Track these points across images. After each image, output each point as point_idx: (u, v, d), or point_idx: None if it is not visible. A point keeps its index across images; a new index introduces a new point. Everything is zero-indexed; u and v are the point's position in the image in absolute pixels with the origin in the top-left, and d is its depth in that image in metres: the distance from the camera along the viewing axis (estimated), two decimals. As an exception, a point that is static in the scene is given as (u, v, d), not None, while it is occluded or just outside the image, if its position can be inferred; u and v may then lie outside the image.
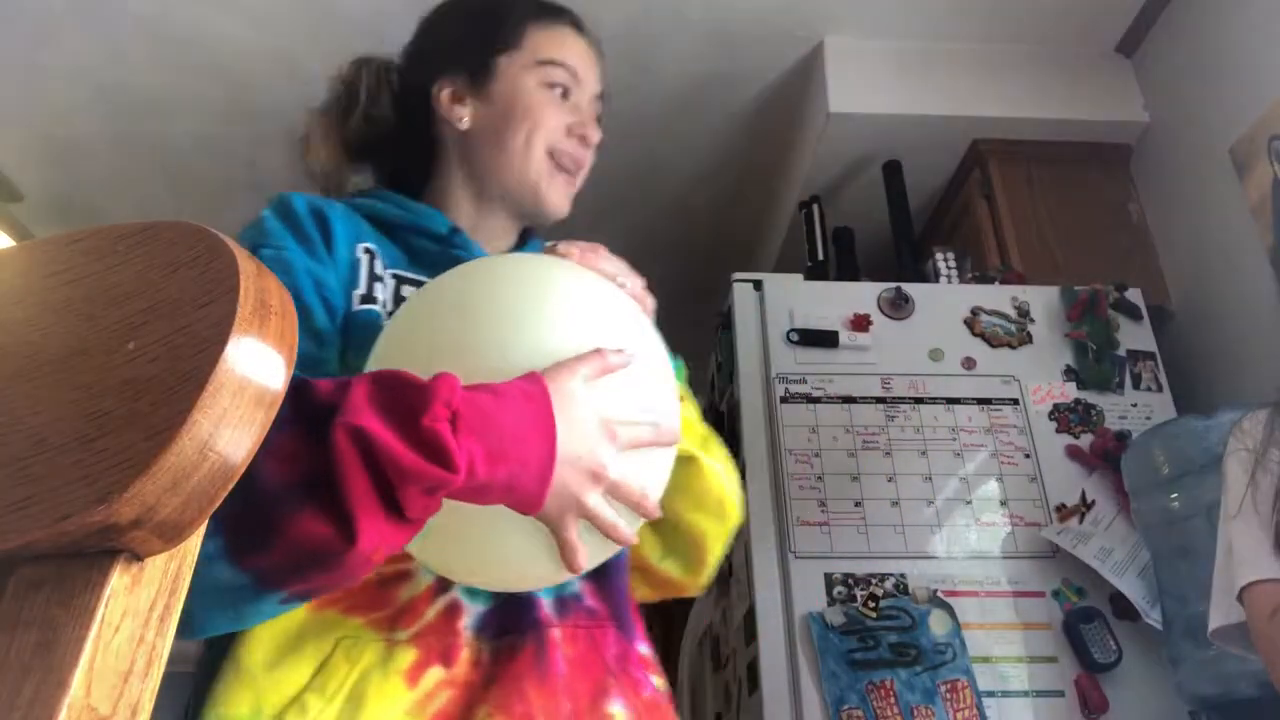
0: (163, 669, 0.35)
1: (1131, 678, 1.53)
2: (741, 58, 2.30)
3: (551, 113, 0.86)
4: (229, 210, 3.11)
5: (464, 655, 0.66)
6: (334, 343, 0.72)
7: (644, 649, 0.78)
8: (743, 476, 1.71)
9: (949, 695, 1.46)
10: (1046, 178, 2.24)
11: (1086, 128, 2.24)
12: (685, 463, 0.77)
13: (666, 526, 0.81)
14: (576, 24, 0.94)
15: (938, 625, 1.53)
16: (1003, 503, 1.67)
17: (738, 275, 1.92)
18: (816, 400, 1.74)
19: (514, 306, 0.65)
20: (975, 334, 1.84)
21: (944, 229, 2.47)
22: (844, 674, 1.48)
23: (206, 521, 0.53)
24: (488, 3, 0.93)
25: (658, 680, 0.76)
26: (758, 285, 1.89)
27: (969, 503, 1.66)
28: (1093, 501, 1.67)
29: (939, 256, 2.13)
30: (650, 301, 0.76)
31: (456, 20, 0.93)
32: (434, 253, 0.81)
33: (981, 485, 1.68)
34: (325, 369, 0.70)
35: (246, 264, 0.37)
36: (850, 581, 1.57)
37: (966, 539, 1.63)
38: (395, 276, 0.78)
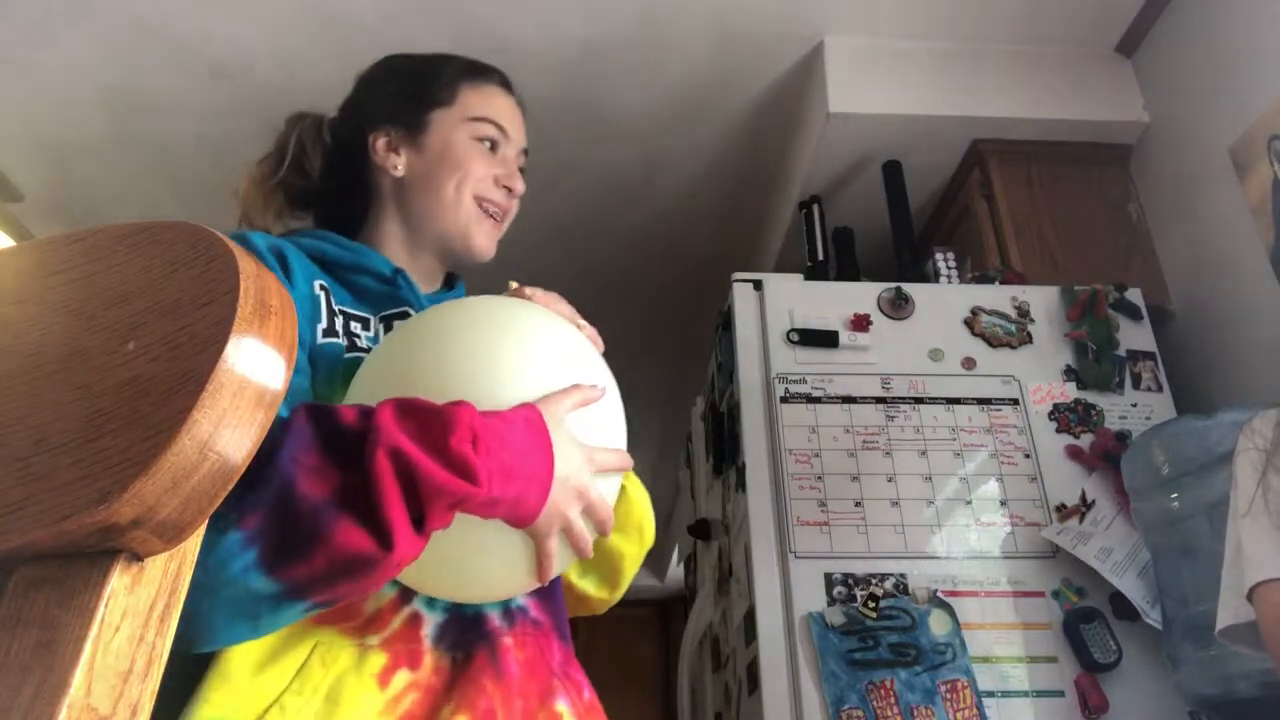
0: (163, 669, 0.35)
1: (1131, 678, 1.53)
2: (741, 58, 2.30)
3: (480, 164, 0.94)
4: (229, 210, 3.09)
5: (426, 661, 0.72)
6: (308, 373, 0.77)
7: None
8: (743, 476, 1.71)
9: (949, 695, 1.46)
10: (1046, 178, 2.24)
11: (1086, 128, 2.24)
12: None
13: None
14: (505, 83, 1.01)
15: (938, 625, 1.53)
16: (1003, 503, 1.67)
17: (738, 275, 1.92)
18: (816, 400, 1.74)
19: (500, 344, 0.74)
20: (975, 334, 1.84)
21: (944, 229, 2.47)
22: (844, 674, 1.48)
23: (238, 533, 0.57)
24: (424, 62, 1.01)
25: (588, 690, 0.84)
26: (758, 285, 1.89)
27: (969, 503, 1.66)
28: (1093, 501, 1.67)
29: (939, 256, 2.13)
30: (600, 343, 0.85)
31: (395, 77, 1.01)
32: (377, 291, 0.87)
33: (981, 485, 1.68)
34: (307, 399, 0.75)
35: (246, 264, 0.37)
36: (850, 581, 1.57)
37: (966, 539, 1.63)
38: (343, 313, 0.84)
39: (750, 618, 1.59)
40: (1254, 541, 1.08)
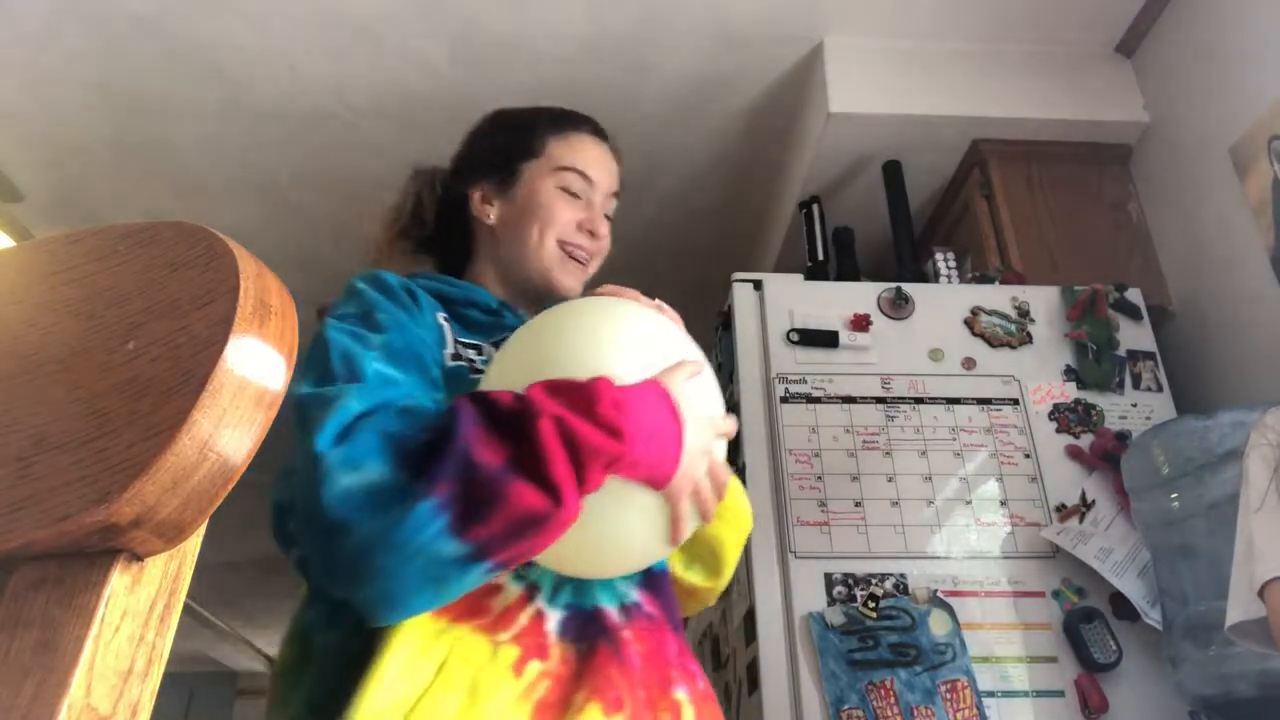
0: (163, 669, 0.35)
1: (1131, 678, 1.53)
2: (741, 58, 2.30)
3: (563, 211, 1.01)
4: (229, 210, 3.11)
5: (554, 652, 0.77)
6: (443, 389, 0.85)
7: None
8: (743, 476, 1.71)
9: (949, 695, 1.46)
10: (1046, 178, 2.24)
11: (1086, 128, 2.24)
12: None
13: (689, 540, 0.93)
14: (596, 131, 1.08)
15: (938, 625, 1.53)
16: (1003, 503, 1.67)
17: (738, 275, 1.92)
18: (816, 400, 1.74)
19: (609, 329, 0.83)
20: (975, 334, 1.84)
21: (944, 229, 2.47)
22: (844, 674, 1.48)
23: (430, 501, 0.64)
24: (519, 116, 1.10)
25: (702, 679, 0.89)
26: (758, 285, 1.89)
27: (969, 503, 1.66)
28: (1093, 501, 1.68)
29: (939, 256, 2.13)
30: (681, 323, 0.91)
31: (492, 133, 1.11)
32: (485, 322, 0.97)
33: (981, 485, 1.68)
34: None
35: (246, 264, 0.37)
36: (850, 581, 1.57)
37: (966, 539, 1.63)
38: (460, 342, 0.93)
39: (750, 618, 1.59)
40: (1267, 538, 1.08)
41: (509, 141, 1.07)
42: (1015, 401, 1.77)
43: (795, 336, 1.79)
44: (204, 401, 0.33)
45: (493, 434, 0.68)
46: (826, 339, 1.80)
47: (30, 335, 0.40)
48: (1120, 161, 2.28)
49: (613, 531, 0.78)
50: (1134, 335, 1.86)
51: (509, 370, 0.82)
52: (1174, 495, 1.48)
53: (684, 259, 2.90)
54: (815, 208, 2.32)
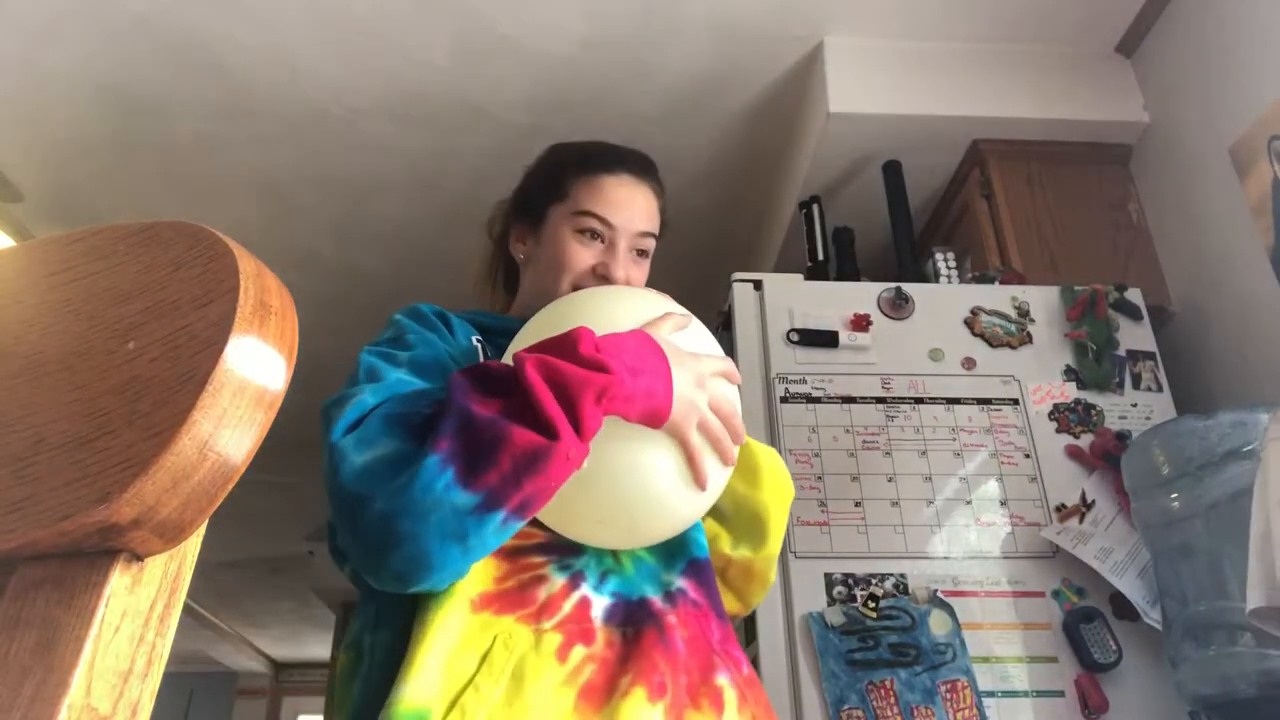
0: (163, 669, 0.35)
1: (1131, 678, 1.53)
2: (741, 58, 2.30)
3: (579, 256, 1.03)
4: (229, 210, 3.11)
5: (599, 637, 0.79)
6: None
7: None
8: (743, 476, 1.71)
9: (949, 695, 1.46)
10: (1046, 178, 2.24)
11: (1086, 128, 2.24)
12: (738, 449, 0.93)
13: (730, 512, 0.99)
14: (631, 170, 1.09)
15: (938, 625, 1.53)
16: (1003, 503, 1.67)
17: (738, 275, 1.92)
18: (816, 400, 1.74)
19: (599, 299, 0.91)
20: (975, 334, 1.84)
21: (944, 229, 2.47)
22: (844, 674, 1.48)
23: (435, 455, 0.69)
24: (551, 161, 1.13)
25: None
26: (758, 285, 1.89)
27: (969, 503, 1.66)
28: (1093, 501, 1.68)
29: (939, 256, 2.13)
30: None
31: (533, 173, 1.15)
32: None
33: (981, 485, 1.68)
34: None
35: (246, 264, 0.37)
36: (850, 581, 1.57)
37: (966, 539, 1.63)
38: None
39: (750, 617, 1.59)
40: None
41: (540, 183, 1.11)
42: (1015, 401, 1.77)
43: (795, 336, 1.79)
44: (204, 401, 0.33)
45: (487, 392, 0.73)
46: (826, 339, 1.80)
47: (30, 335, 0.40)
48: (1120, 161, 2.28)
49: (631, 479, 0.80)
50: (1134, 335, 1.86)
51: (529, 332, 0.88)
52: (1174, 495, 1.48)
53: (684, 259, 2.90)
54: (815, 208, 2.32)
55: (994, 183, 2.23)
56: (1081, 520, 1.66)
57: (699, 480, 0.81)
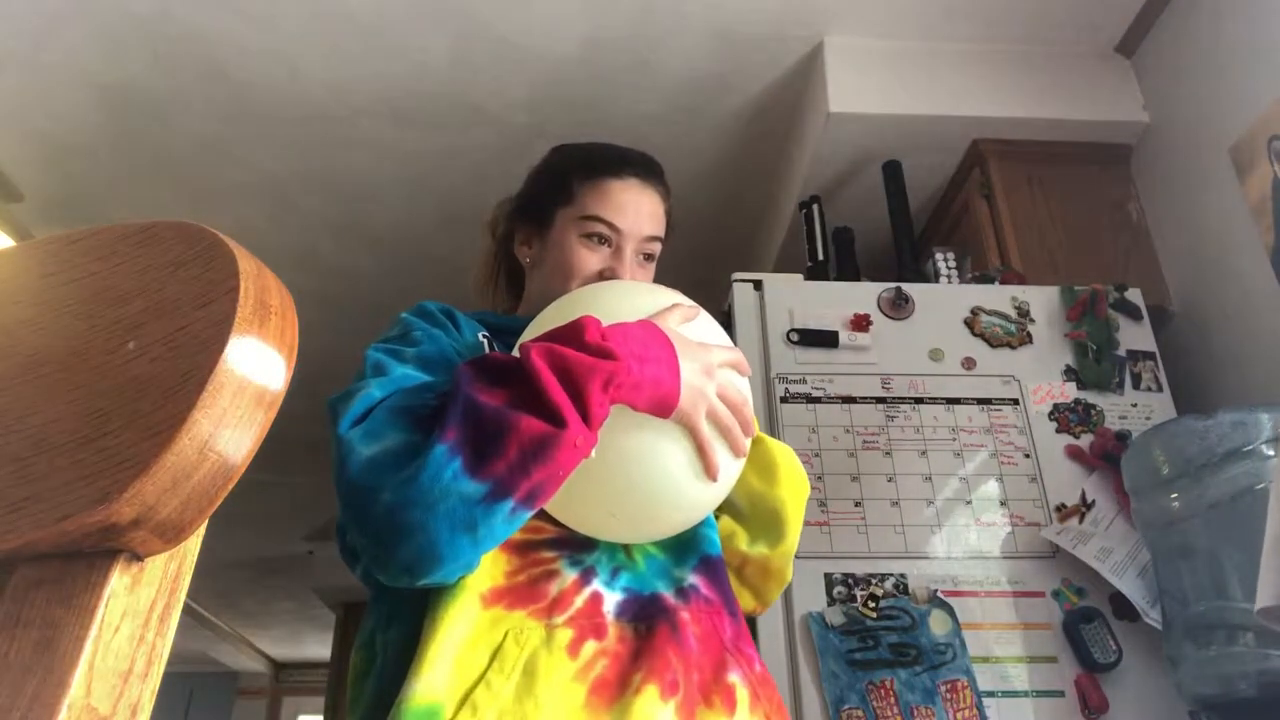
0: (163, 669, 0.35)
1: (1131, 678, 1.53)
2: (741, 58, 2.30)
3: (585, 260, 1.03)
4: (229, 210, 3.11)
5: (611, 632, 0.79)
6: None
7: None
8: (743, 476, 1.71)
9: (949, 695, 1.46)
10: (1046, 177, 2.24)
11: (1086, 128, 2.24)
12: (752, 444, 0.93)
13: (747, 510, 0.99)
14: (638, 172, 1.09)
15: (938, 625, 1.53)
16: (1003, 503, 1.67)
17: (738, 275, 1.92)
18: (816, 400, 1.74)
19: (608, 291, 0.92)
20: (975, 334, 1.84)
21: (944, 229, 2.47)
22: (844, 674, 1.48)
23: (443, 445, 0.69)
24: (556, 163, 1.12)
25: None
26: (758, 285, 1.89)
27: (969, 503, 1.66)
28: (1093, 501, 1.67)
29: (939, 256, 2.13)
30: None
31: (538, 175, 1.15)
32: None
33: (981, 485, 1.68)
34: None
35: (246, 264, 0.37)
36: (850, 581, 1.57)
37: (966, 539, 1.63)
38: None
39: (750, 617, 1.59)
40: None
41: (546, 186, 1.10)
42: (1015, 401, 1.77)
43: (795, 336, 1.79)
44: (204, 401, 0.33)
45: (494, 382, 0.73)
46: (826, 339, 1.80)
47: (30, 335, 0.40)
48: (1120, 161, 2.28)
49: (642, 469, 0.79)
50: (1134, 335, 1.86)
51: (537, 324, 0.89)
52: (1174, 495, 1.48)
53: (684, 259, 2.90)
54: (815, 208, 2.32)
55: (994, 183, 2.23)
56: (1081, 520, 1.66)
57: (710, 470, 0.81)
